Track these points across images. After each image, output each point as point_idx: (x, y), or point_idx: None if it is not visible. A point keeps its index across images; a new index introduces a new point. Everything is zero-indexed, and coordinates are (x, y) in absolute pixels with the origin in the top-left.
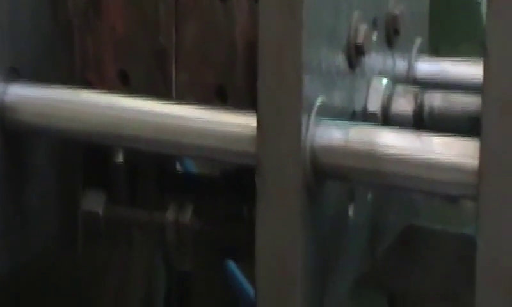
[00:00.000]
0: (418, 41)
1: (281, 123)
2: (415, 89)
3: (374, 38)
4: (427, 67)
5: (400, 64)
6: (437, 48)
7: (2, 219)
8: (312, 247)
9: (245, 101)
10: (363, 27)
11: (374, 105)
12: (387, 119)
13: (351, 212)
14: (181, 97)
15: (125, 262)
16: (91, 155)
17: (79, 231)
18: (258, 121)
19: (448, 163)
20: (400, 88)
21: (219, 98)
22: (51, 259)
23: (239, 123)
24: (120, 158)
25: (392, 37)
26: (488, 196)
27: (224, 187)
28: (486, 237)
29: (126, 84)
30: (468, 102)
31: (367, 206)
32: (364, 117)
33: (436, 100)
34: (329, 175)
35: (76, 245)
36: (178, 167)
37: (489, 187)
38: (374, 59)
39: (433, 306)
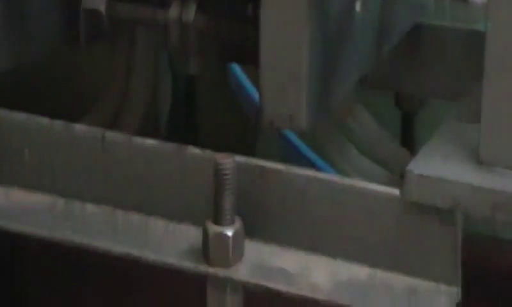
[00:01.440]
0: None
1: None
2: None
3: None
4: None
5: None
6: None
7: (2, 16)
8: (317, 41)
9: None
10: None
11: None
12: None
13: (358, 6)
14: None
15: (128, 64)
16: None
17: (81, 29)
18: None
19: None
20: None
21: None
22: (53, 59)
23: None
24: None
25: None
26: None
27: None
28: (497, 22)
29: None
30: None
31: (375, 2)
32: None
33: None
34: None
35: (78, 45)
36: None
37: None
38: None
39: (441, 105)
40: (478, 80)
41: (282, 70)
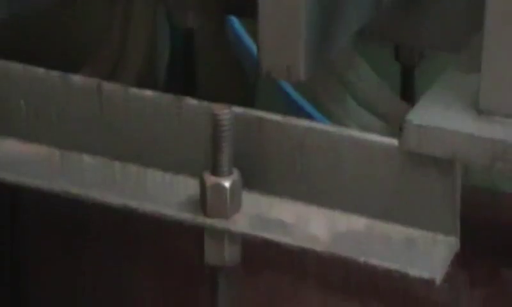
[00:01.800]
0: None
1: None
2: None
3: None
4: None
5: None
6: None
7: None
8: None
9: None
10: None
11: None
12: None
13: None
14: None
15: (126, 17)
16: None
17: None
18: None
19: None
20: None
21: None
22: (51, 10)
23: None
24: None
25: None
26: None
27: None
28: None
29: None
30: None
31: None
32: None
33: None
34: None
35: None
36: None
37: None
38: None
39: (441, 58)
40: (478, 31)
41: (280, 20)
